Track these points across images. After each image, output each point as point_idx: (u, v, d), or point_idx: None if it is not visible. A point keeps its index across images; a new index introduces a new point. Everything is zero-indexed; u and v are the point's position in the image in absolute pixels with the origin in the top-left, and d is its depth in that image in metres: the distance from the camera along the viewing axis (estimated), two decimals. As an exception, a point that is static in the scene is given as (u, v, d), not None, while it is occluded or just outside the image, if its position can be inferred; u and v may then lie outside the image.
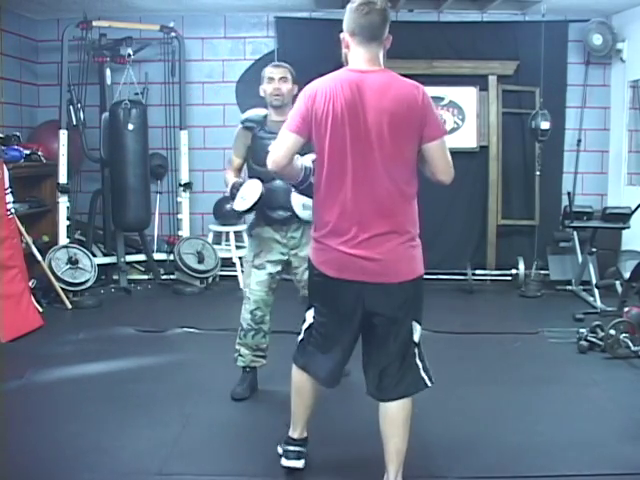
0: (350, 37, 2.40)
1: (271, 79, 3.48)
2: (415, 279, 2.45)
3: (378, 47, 2.42)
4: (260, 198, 3.24)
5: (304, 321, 2.65)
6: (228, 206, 6.33)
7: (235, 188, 3.37)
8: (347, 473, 2.82)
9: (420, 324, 2.54)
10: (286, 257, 3.52)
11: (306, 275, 3.44)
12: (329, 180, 2.38)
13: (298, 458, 2.75)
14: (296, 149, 2.41)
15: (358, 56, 2.40)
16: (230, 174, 3.55)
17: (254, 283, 3.53)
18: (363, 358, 2.58)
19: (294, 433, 2.76)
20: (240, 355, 3.62)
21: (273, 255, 3.52)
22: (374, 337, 2.49)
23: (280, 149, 2.39)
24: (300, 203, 3.27)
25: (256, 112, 3.58)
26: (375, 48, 2.41)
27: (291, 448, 2.75)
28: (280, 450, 2.82)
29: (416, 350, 2.53)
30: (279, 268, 3.55)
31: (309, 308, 2.61)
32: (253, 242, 3.59)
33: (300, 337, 2.66)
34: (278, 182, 3.36)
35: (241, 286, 6.08)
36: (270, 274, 3.52)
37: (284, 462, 2.75)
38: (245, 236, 6.35)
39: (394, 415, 2.50)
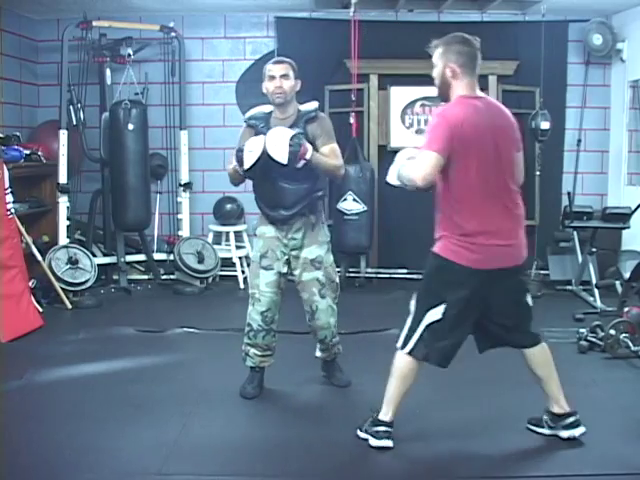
0: (459, 68, 2.82)
1: (272, 77, 3.43)
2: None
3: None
4: (264, 147, 3.27)
5: (421, 319, 2.88)
6: (229, 206, 6.35)
7: (240, 150, 3.33)
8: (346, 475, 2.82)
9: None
10: (287, 257, 3.52)
11: (305, 276, 3.49)
12: (485, 193, 2.78)
13: (389, 438, 2.94)
14: (440, 168, 2.74)
15: (466, 84, 2.83)
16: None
17: (263, 284, 3.49)
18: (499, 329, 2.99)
19: (386, 416, 2.97)
20: (249, 356, 3.59)
21: (278, 254, 3.51)
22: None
23: (430, 168, 2.70)
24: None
25: (261, 109, 3.54)
26: (476, 77, 2.87)
27: (382, 429, 2.95)
28: (363, 435, 3.01)
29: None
30: (286, 268, 3.53)
31: (433, 307, 2.85)
32: (258, 242, 3.57)
33: (419, 333, 2.87)
34: (281, 184, 3.39)
35: (241, 286, 6.11)
36: (279, 273, 3.51)
37: (375, 442, 2.95)
38: (245, 236, 6.38)
39: (542, 357, 3.01)
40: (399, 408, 2.96)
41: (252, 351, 3.57)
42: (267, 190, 3.47)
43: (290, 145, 3.24)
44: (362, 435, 3.03)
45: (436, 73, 2.90)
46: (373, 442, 2.95)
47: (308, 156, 3.29)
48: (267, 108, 3.53)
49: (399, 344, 2.94)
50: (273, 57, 6.06)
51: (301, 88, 3.54)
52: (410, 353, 2.89)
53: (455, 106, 2.81)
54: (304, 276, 3.52)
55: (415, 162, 2.75)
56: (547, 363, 3.00)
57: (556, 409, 3.01)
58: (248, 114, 3.59)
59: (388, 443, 2.92)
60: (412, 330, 2.90)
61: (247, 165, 3.30)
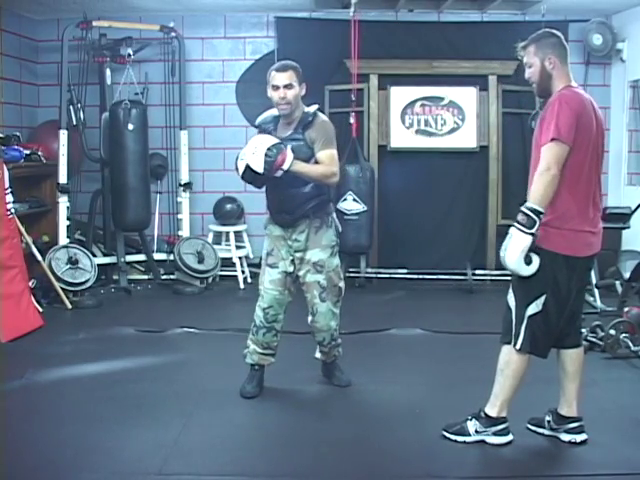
0: (558, 58, 2.88)
1: (276, 87, 3.35)
2: None
3: None
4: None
5: (524, 313, 2.87)
6: (229, 206, 6.35)
7: (238, 157, 3.34)
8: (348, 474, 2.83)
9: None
10: (291, 257, 3.52)
11: (307, 278, 3.49)
12: (584, 179, 2.81)
13: (509, 433, 2.97)
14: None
15: (566, 74, 2.89)
16: None
17: (267, 282, 3.51)
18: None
19: (502, 412, 2.96)
20: (249, 352, 3.60)
21: (283, 253, 3.51)
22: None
23: (560, 162, 2.71)
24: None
25: (271, 113, 3.52)
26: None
27: (503, 426, 2.96)
28: (477, 435, 2.97)
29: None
30: (292, 267, 3.51)
31: (534, 299, 2.85)
32: (266, 240, 3.59)
33: (524, 327, 2.87)
34: (283, 189, 3.39)
35: (241, 286, 6.12)
36: (284, 272, 3.49)
37: (498, 440, 2.96)
38: (245, 236, 6.39)
39: (580, 357, 3.04)
40: None
41: (252, 347, 3.58)
42: (273, 194, 3.51)
43: (266, 155, 3.22)
44: (472, 431, 2.99)
45: (533, 70, 2.91)
46: (495, 440, 2.96)
47: (285, 166, 3.25)
48: (274, 112, 3.51)
49: (508, 341, 2.91)
50: (273, 57, 6.20)
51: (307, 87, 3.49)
52: (519, 350, 2.89)
53: (571, 94, 2.82)
54: (307, 277, 3.52)
55: (544, 156, 2.71)
56: (580, 364, 3.03)
57: (565, 411, 3.01)
58: (259, 119, 3.58)
59: (510, 437, 2.96)
60: (518, 325, 2.89)
61: (239, 172, 3.32)
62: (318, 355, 3.77)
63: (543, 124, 2.77)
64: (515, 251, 2.71)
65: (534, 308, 2.86)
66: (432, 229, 6.49)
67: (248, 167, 3.27)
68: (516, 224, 2.71)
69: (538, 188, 2.70)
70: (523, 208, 2.70)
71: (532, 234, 2.69)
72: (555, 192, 2.73)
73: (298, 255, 3.51)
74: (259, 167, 3.24)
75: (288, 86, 3.35)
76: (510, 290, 2.97)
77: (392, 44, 6.33)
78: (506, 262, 2.76)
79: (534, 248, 2.73)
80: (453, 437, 3.00)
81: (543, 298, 2.85)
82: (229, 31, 6.58)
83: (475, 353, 4.35)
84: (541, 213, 2.68)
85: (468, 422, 3.00)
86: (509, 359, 2.92)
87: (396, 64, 6.28)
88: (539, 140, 2.81)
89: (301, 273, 3.53)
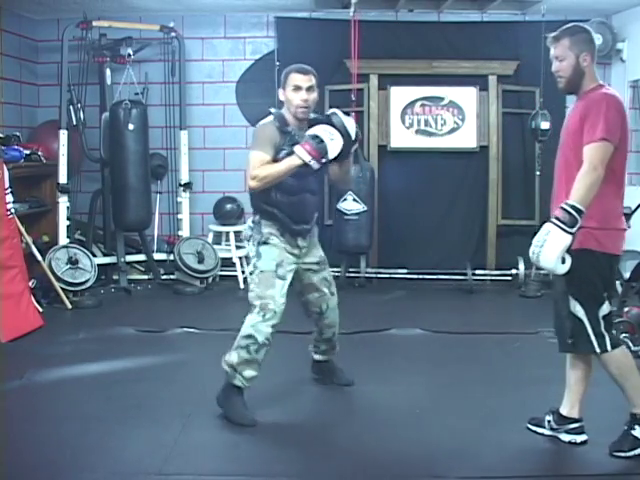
0: (591, 56, 2.85)
1: (298, 88, 3.19)
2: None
3: None
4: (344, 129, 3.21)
5: (597, 318, 2.81)
6: (229, 206, 6.35)
7: (320, 141, 3.09)
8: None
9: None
10: (296, 266, 3.42)
11: (315, 279, 3.48)
12: (622, 178, 2.83)
13: None
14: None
15: (595, 72, 2.87)
16: (272, 164, 3.17)
17: (279, 295, 3.22)
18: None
19: None
20: (241, 375, 3.20)
21: (290, 265, 3.37)
22: None
23: (605, 162, 2.67)
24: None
25: (269, 119, 3.29)
26: None
27: None
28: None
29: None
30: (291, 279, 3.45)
31: (602, 302, 2.82)
32: (272, 251, 3.30)
33: (603, 329, 2.81)
34: (308, 197, 3.33)
35: (241, 286, 6.11)
36: (289, 284, 3.38)
37: None
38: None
39: (592, 359, 2.92)
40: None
41: (247, 372, 3.20)
42: (294, 205, 3.30)
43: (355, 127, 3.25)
44: (632, 454, 2.85)
45: (566, 65, 2.83)
46: None
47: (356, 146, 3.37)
48: (273, 116, 3.30)
49: (598, 350, 2.81)
50: (273, 57, 6.20)
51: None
52: (613, 348, 2.82)
53: (614, 94, 2.81)
54: (314, 278, 3.48)
55: (591, 155, 2.65)
56: (591, 366, 2.98)
57: (566, 411, 3.00)
58: (274, 117, 3.28)
59: None
60: (597, 328, 2.81)
61: (334, 154, 3.10)
62: (318, 357, 3.74)
63: (585, 123, 2.70)
64: (554, 250, 2.57)
65: (605, 309, 2.83)
66: (432, 229, 6.50)
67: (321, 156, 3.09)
68: (556, 221, 2.58)
69: (582, 187, 2.61)
70: (564, 205, 2.59)
71: (572, 233, 2.58)
72: (601, 192, 2.64)
73: (301, 260, 3.43)
74: (335, 151, 3.10)
75: (310, 89, 3.24)
76: (570, 299, 2.83)
77: (392, 44, 6.33)
78: (541, 260, 2.60)
79: (570, 249, 2.62)
80: (625, 454, 2.85)
81: (606, 299, 2.84)
82: (229, 31, 6.58)
83: (475, 353, 4.35)
84: (582, 212, 2.57)
85: (632, 432, 2.86)
86: (616, 363, 2.82)
87: (396, 64, 6.28)
88: (573, 138, 2.75)
89: (305, 276, 3.46)
